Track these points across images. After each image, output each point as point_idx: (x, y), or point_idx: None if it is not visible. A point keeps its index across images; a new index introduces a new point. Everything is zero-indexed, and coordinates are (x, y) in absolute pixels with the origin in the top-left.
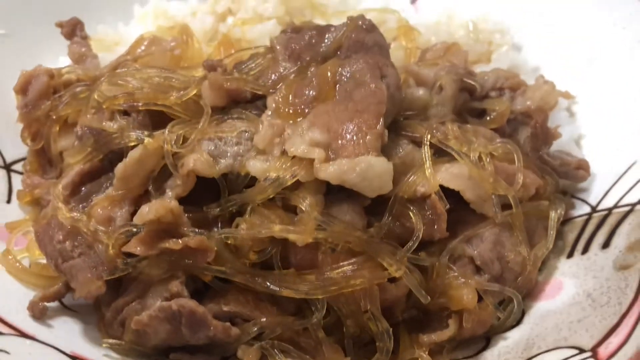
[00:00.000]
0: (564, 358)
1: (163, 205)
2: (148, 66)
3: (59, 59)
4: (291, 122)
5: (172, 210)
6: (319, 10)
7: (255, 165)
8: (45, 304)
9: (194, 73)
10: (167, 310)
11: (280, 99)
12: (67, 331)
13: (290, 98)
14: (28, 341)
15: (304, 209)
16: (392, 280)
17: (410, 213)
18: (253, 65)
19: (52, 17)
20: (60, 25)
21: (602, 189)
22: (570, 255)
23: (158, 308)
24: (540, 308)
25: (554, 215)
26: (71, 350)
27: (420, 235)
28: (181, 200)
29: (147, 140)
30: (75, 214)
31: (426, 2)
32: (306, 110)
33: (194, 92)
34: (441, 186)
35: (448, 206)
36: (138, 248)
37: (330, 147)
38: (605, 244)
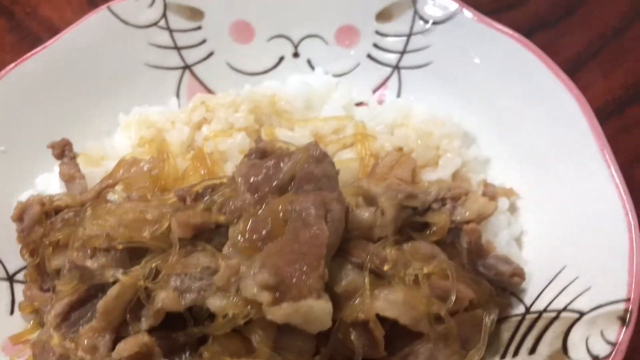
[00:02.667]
0: None
1: (137, 341)
2: (125, 200)
3: (54, 168)
4: (246, 258)
5: (145, 344)
6: (285, 118)
7: (214, 304)
8: None
9: (168, 198)
10: None
11: (238, 233)
12: None
13: (247, 234)
14: None
15: (255, 344)
16: None
17: (352, 337)
18: (217, 195)
19: (45, 132)
20: (51, 146)
21: (536, 290)
22: (503, 356)
23: None
24: None
25: (487, 322)
26: None
27: (360, 357)
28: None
29: (123, 278)
30: (65, 342)
31: (388, 95)
32: (260, 246)
33: (165, 227)
34: None
35: (384, 332)
36: None
37: (278, 288)
38: (532, 349)
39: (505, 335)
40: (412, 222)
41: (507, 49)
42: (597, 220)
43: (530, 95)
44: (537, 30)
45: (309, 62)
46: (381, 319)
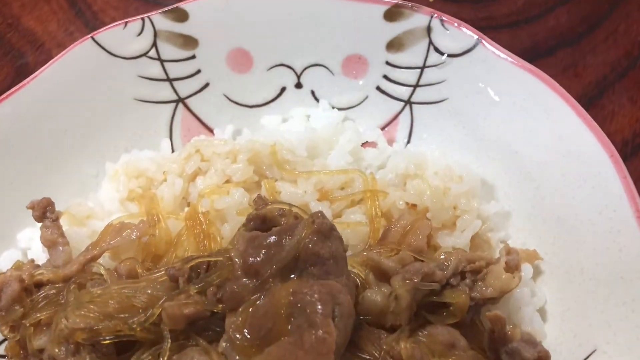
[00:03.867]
0: None
1: None
2: (112, 282)
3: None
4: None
5: None
6: (287, 170)
7: None
8: None
9: (159, 276)
10: None
11: (236, 329)
12: None
13: (246, 330)
14: None
15: None
16: None
17: None
18: (213, 277)
19: (26, 183)
20: (31, 207)
21: None
22: None
23: None
24: None
25: None
26: None
27: None
28: None
29: None
30: None
31: (400, 132)
32: (259, 344)
33: (155, 315)
34: None
35: None
36: None
37: None
38: None
39: None
40: (428, 303)
41: (529, 87)
42: (631, 298)
43: (555, 143)
44: (557, 48)
45: (312, 93)
46: None
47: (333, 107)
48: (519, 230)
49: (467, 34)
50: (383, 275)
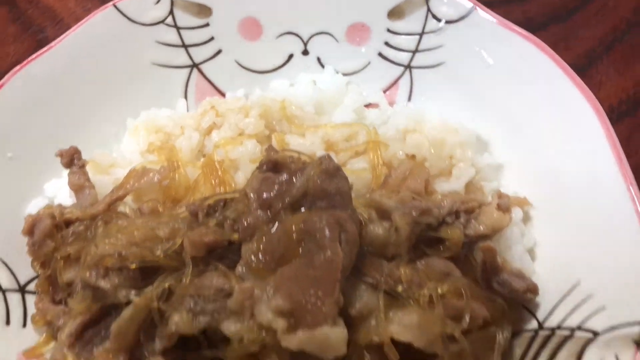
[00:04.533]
0: None
1: None
2: (136, 216)
3: (62, 173)
4: (260, 279)
5: None
6: (295, 124)
7: (229, 328)
8: None
9: (180, 212)
10: None
11: (252, 254)
12: None
13: (260, 254)
14: None
15: None
16: None
17: None
18: (229, 211)
19: (52, 137)
20: (60, 155)
21: (549, 305)
22: None
23: None
24: None
25: (500, 340)
26: None
27: None
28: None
29: (136, 300)
30: None
31: (399, 95)
32: (273, 267)
33: (177, 244)
34: None
35: (398, 357)
36: None
37: (292, 314)
38: None
39: (518, 351)
40: (425, 237)
41: (522, 51)
42: (612, 236)
43: (545, 101)
44: (549, 23)
45: (318, 60)
46: (394, 341)
47: (337, 73)
48: (510, 182)
49: (462, 2)
50: (384, 214)
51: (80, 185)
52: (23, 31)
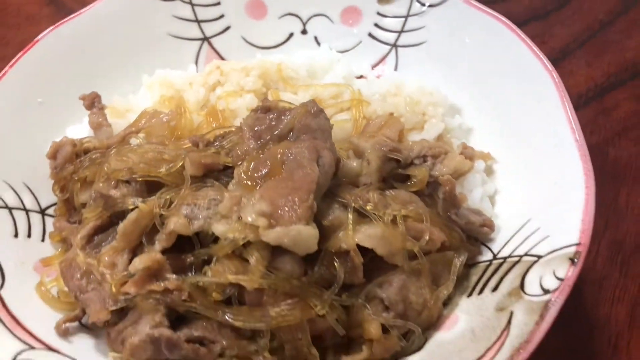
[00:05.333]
0: None
1: (150, 257)
2: (146, 143)
3: (83, 119)
4: (248, 192)
5: (157, 261)
6: (290, 84)
7: (218, 228)
8: (68, 324)
9: (183, 143)
10: (151, 336)
11: (242, 172)
12: (83, 345)
13: (249, 172)
14: (53, 353)
15: (251, 263)
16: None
17: (335, 264)
18: (226, 141)
19: (77, 88)
20: (82, 98)
21: (503, 239)
22: (469, 294)
23: (145, 334)
24: (438, 338)
25: (456, 262)
26: None
27: (342, 281)
28: (166, 249)
29: (141, 205)
30: (89, 259)
31: (386, 70)
32: (260, 183)
33: (179, 165)
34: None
35: (362, 261)
36: (132, 289)
37: (273, 216)
38: (495, 288)
39: (474, 278)
40: (395, 174)
41: (494, 30)
42: (561, 181)
43: (512, 74)
44: (529, 21)
45: (315, 38)
46: (361, 251)
47: (332, 49)
48: (477, 142)
49: None
50: (360, 154)
51: (99, 124)
52: (56, 13)
